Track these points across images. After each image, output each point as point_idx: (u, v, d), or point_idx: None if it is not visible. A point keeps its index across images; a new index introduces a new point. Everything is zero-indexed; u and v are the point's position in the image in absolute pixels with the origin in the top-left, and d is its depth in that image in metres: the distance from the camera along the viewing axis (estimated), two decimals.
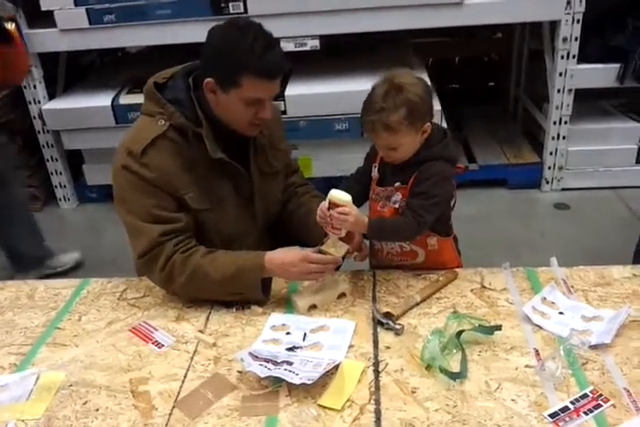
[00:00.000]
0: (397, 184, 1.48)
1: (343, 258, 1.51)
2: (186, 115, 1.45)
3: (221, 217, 1.55)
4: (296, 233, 1.69)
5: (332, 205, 1.40)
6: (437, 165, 1.45)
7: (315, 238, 1.52)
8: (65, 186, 3.35)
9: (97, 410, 1.20)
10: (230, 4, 2.84)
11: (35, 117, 3.15)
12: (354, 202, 1.41)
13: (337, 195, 1.40)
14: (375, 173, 1.54)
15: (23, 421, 1.19)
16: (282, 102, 2.94)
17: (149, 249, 1.46)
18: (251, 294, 1.47)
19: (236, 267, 1.44)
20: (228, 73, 1.38)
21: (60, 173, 3.31)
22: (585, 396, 1.15)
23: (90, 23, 2.91)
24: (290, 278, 1.53)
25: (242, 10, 2.83)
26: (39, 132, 3.20)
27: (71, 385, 1.28)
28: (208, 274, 1.44)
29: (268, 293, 1.50)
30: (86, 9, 2.89)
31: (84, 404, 1.22)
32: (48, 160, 3.28)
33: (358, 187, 1.56)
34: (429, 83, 2.44)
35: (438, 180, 1.44)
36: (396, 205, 1.49)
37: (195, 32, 2.98)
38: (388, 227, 1.47)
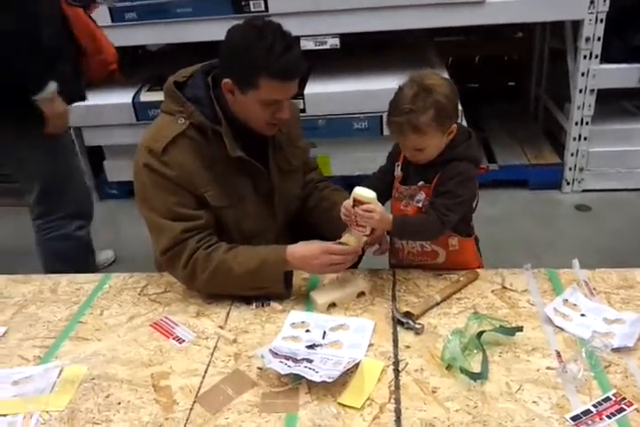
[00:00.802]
0: (421, 183, 1.48)
1: (363, 250, 1.52)
2: (205, 113, 1.46)
3: (241, 214, 1.56)
4: (318, 228, 1.69)
5: (357, 203, 1.40)
6: (462, 165, 1.44)
7: (338, 232, 1.52)
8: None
9: (119, 403, 1.22)
10: (251, 3, 2.84)
11: None
12: (377, 200, 1.41)
13: (361, 192, 1.40)
14: (398, 171, 1.54)
15: (47, 412, 1.21)
16: (301, 101, 2.94)
17: (172, 246, 1.47)
18: (273, 288, 1.47)
19: (258, 261, 1.45)
20: (246, 75, 1.39)
21: None
22: (608, 399, 1.14)
23: (112, 21, 2.94)
24: (311, 271, 1.53)
25: (262, 8, 2.84)
26: None
27: (93, 378, 1.29)
28: (231, 269, 1.45)
29: (289, 287, 1.51)
30: (108, 7, 2.91)
31: (107, 397, 1.24)
32: None
33: (382, 185, 1.56)
34: None
35: (463, 179, 1.44)
36: (420, 204, 1.49)
37: (215, 30, 2.97)
38: (412, 225, 1.47)
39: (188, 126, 1.46)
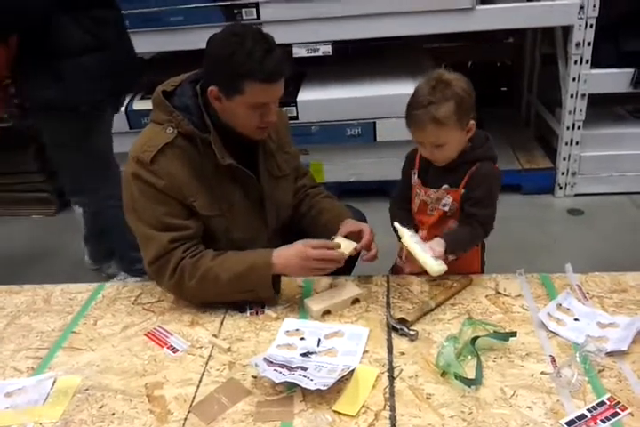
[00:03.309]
0: (445, 187, 1.50)
1: (352, 256, 1.53)
2: (194, 122, 1.46)
3: (232, 222, 1.56)
4: (309, 235, 1.70)
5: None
6: (488, 166, 1.49)
7: (326, 238, 1.53)
8: None
9: (113, 414, 1.21)
10: (243, 11, 2.85)
11: None
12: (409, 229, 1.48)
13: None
14: (415, 179, 1.55)
15: (41, 424, 1.20)
16: (294, 108, 2.95)
17: (159, 256, 1.47)
18: (262, 291, 1.47)
19: (245, 265, 1.45)
20: (230, 81, 1.40)
21: None
22: (602, 404, 1.14)
23: None
24: (296, 274, 1.52)
25: (255, 16, 2.84)
26: None
27: (87, 389, 1.28)
28: (218, 274, 1.45)
29: (278, 292, 1.51)
30: None
31: (100, 408, 1.23)
32: None
33: (406, 214, 1.59)
34: None
35: (494, 182, 1.51)
36: (446, 208, 1.52)
37: (207, 38, 3.02)
38: (463, 243, 1.51)
39: (176, 135, 1.46)
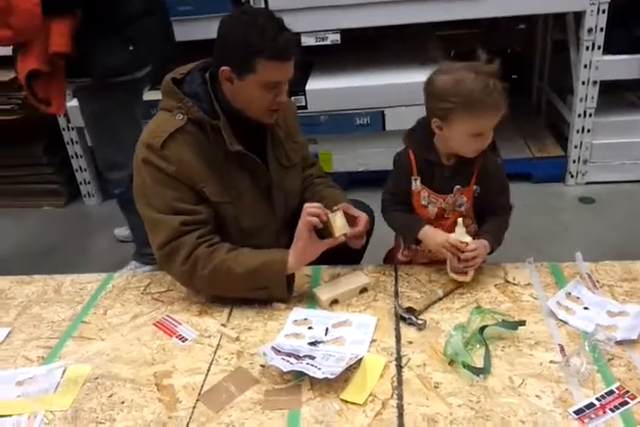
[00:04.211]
0: (457, 188, 1.49)
1: (364, 247, 1.57)
2: (204, 108, 1.47)
3: (240, 210, 1.56)
4: None
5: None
6: (491, 155, 1.50)
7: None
8: (89, 182, 3.38)
9: (122, 402, 1.22)
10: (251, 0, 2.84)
11: (59, 115, 3.19)
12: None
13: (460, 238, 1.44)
14: (418, 185, 1.52)
15: (52, 412, 1.21)
16: (302, 97, 2.93)
17: (170, 240, 1.46)
18: (275, 289, 1.46)
19: (260, 260, 1.45)
20: (243, 59, 1.40)
21: (85, 170, 3.35)
22: (611, 392, 1.14)
23: None
24: (306, 259, 1.49)
25: (263, 5, 2.83)
26: (64, 129, 3.23)
27: (97, 378, 1.30)
28: (232, 267, 1.44)
29: (291, 290, 1.50)
30: None
31: (110, 396, 1.24)
32: (72, 157, 3.32)
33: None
34: None
35: (503, 168, 1.55)
36: (462, 208, 1.52)
37: (216, 28, 3.01)
38: (501, 234, 1.53)
39: (186, 122, 1.46)
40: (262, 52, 1.38)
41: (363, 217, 1.53)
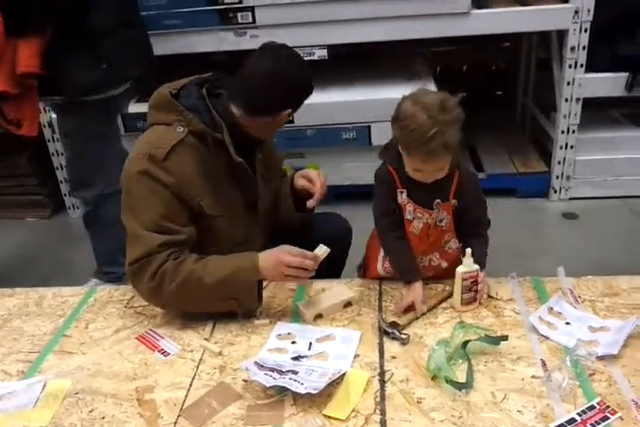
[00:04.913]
0: (437, 201, 1.48)
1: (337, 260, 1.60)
2: (204, 121, 1.47)
3: (232, 223, 1.56)
4: (295, 234, 1.68)
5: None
6: (465, 169, 1.51)
7: (288, 208, 1.66)
8: None
9: (103, 418, 1.21)
10: (239, 15, 2.85)
11: (45, 126, 3.18)
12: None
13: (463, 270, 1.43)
14: (403, 198, 1.49)
15: None
16: None
17: (143, 257, 1.43)
18: (245, 299, 1.44)
19: (230, 269, 1.42)
20: (265, 108, 1.47)
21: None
22: (592, 407, 1.14)
23: None
24: (270, 276, 1.46)
25: (250, 20, 2.84)
26: (49, 140, 3.22)
27: (77, 393, 1.28)
28: (201, 278, 1.41)
29: (260, 299, 1.48)
30: None
31: (90, 412, 1.23)
32: (57, 168, 3.30)
33: (406, 244, 1.54)
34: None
35: (478, 182, 1.55)
36: (442, 223, 1.52)
37: (203, 42, 3.01)
38: (484, 257, 1.52)
39: (187, 134, 1.46)
40: (292, 106, 1.50)
41: (314, 176, 1.65)
